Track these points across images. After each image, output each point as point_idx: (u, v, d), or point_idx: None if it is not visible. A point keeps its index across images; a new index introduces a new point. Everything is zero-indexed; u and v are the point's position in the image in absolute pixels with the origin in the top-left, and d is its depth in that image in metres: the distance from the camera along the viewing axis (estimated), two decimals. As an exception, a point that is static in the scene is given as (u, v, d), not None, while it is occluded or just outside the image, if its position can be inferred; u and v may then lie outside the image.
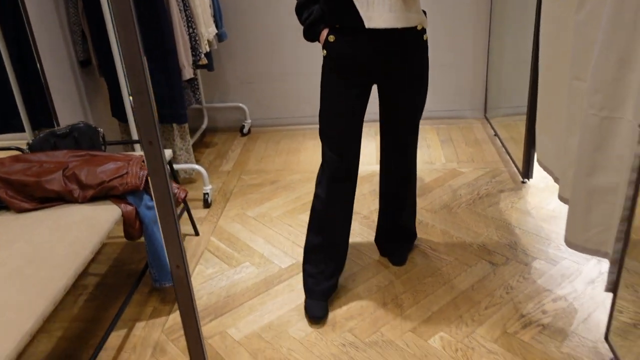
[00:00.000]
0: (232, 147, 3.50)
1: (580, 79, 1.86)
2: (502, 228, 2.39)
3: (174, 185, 2.06)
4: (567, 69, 1.99)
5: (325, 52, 1.82)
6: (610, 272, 1.66)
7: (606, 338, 1.73)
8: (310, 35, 1.83)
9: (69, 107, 2.65)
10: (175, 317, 2.01)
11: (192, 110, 3.52)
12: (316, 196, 1.97)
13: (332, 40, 1.78)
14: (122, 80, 2.58)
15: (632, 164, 1.50)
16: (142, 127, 0.82)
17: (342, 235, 2.03)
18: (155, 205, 2.00)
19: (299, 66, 3.52)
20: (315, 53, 3.12)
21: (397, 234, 2.24)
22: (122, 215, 1.92)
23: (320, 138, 1.93)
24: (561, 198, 2.13)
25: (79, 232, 1.74)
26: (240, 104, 3.65)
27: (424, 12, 1.83)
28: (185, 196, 2.07)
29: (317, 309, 1.95)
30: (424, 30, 1.81)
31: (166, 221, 0.91)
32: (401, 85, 1.88)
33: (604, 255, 1.82)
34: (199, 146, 3.54)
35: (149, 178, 2.08)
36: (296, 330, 1.89)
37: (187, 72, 2.70)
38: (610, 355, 1.69)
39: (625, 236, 1.57)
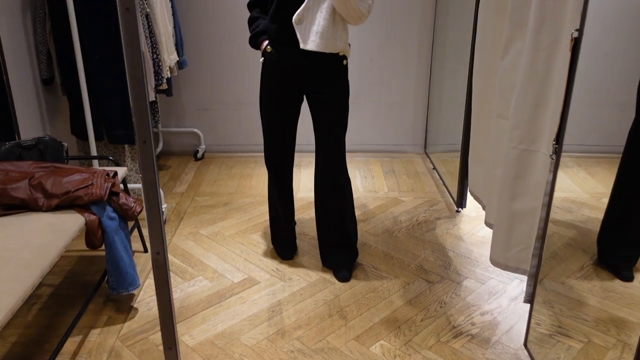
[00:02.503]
0: (186, 171, 3.62)
1: (503, 117, 2.14)
2: (437, 251, 2.62)
3: (130, 199, 2.17)
4: (492, 108, 2.28)
5: (262, 59, 2.25)
6: (528, 285, 1.91)
7: (525, 346, 1.96)
8: (254, 43, 2.25)
9: (30, 122, 2.72)
10: (130, 325, 2.09)
11: (148, 134, 3.63)
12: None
13: (269, 50, 2.20)
14: (85, 99, 2.68)
15: (545, 188, 1.76)
16: (139, 127, 0.97)
17: (287, 213, 2.55)
18: (115, 218, 2.12)
19: (254, 96, 3.70)
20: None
21: (334, 242, 2.45)
22: (86, 223, 2.01)
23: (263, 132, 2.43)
24: (487, 223, 2.38)
25: (44, 237, 1.83)
26: (195, 130, 3.79)
27: (349, 45, 2.24)
28: (141, 210, 2.18)
29: (285, 252, 2.57)
30: (344, 57, 2.21)
31: (152, 213, 1.05)
32: (323, 101, 2.26)
33: (523, 272, 2.07)
34: (153, 168, 3.63)
35: (115, 187, 2.19)
36: (248, 338, 2.02)
37: (149, 95, 2.83)
38: (528, 360, 1.91)
39: (539, 252, 1.82)
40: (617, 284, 2.17)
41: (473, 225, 2.86)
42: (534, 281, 1.86)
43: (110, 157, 2.57)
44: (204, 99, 3.75)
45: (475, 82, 2.53)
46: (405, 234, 2.78)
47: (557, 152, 1.68)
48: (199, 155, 3.78)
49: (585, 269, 2.26)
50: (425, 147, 3.86)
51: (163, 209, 2.88)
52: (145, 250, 2.64)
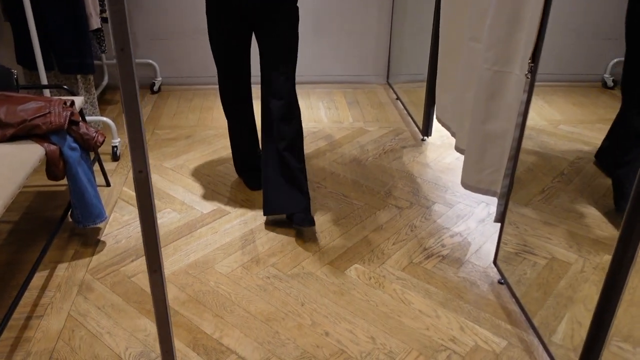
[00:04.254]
0: (142, 104, 3.46)
1: (476, 40, 2.12)
2: (405, 178, 2.64)
3: (92, 128, 2.06)
4: (464, 31, 2.25)
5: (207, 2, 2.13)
6: (499, 205, 1.95)
7: (495, 263, 2.03)
8: None
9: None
10: (99, 258, 2.03)
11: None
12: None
13: None
14: (31, 24, 2.47)
15: (518, 109, 1.77)
16: (116, 34, 0.89)
17: (249, 141, 2.50)
18: (76, 148, 2.01)
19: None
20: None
21: (284, 183, 2.20)
22: (46, 154, 1.89)
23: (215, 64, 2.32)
24: (457, 149, 2.41)
25: (2, 168, 1.71)
26: (150, 61, 3.60)
27: None
28: (104, 140, 2.08)
29: (253, 183, 2.50)
30: None
31: (133, 128, 0.98)
32: (271, 36, 2.13)
33: (493, 194, 2.11)
34: (101, 103, 3.46)
35: (74, 116, 2.07)
36: (222, 267, 2.00)
37: (94, 22, 2.65)
38: (498, 277, 1.98)
39: (511, 173, 1.86)
40: (578, 205, 2.26)
41: (439, 153, 2.89)
42: (505, 201, 1.90)
43: (65, 87, 2.41)
44: (158, 28, 3.55)
45: (444, 7, 2.48)
46: (373, 163, 2.78)
47: (533, 71, 1.68)
48: (155, 88, 3.62)
49: (546, 191, 2.34)
50: (387, 77, 3.83)
51: (116, 144, 2.77)
52: (108, 184, 2.54)
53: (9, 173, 1.72)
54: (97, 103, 2.88)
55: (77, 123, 2.03)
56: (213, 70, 3.81)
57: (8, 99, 1.96)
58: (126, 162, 2.75)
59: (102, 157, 2.76)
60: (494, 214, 2.22)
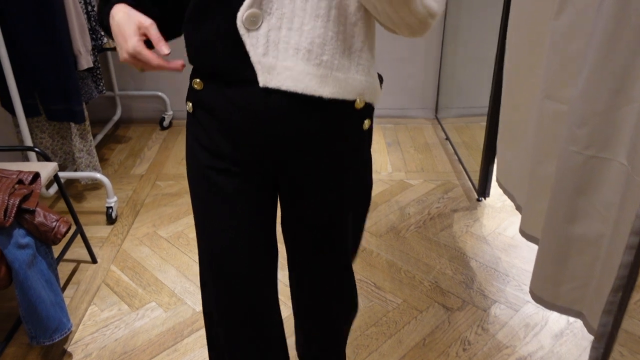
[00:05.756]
0: (149, 144, 3.02)
1: (553, 99, 1.55)
2: (456, 259, 2.08)
3: (52, 216, 1.61)
4: (538, 83, 1.67)
5: (189, 105, 1.03)
6: (593, 348, 1.37)
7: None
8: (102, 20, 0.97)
9: None
10: (53, 388, 1.59)
11: (103, 99, 3.01)
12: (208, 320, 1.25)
13: (199, 88, 1.00)
14: (5, 63, 2.04)
15: (632, 226, 1.19)
16: None
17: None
18: (29, 245, 1.56)
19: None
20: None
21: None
22: (-23, 261, 1.46)
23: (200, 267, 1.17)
24: (523, 233, 1.83)
25: None
26: (159, 93, 3.16)
27: (380, 77, 1.05)
28: (67, 230, 1.63)
29: None
30: (367, 109, 1.02)
31: None
32: (311, 200, 1.08)
33: (576, 315, 1.54)
34: (110, 141, 3.04)
35: (29, 202, 1.62)
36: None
37: (85, 61, 2.21)
38: None
39: (618, 309, 1.28)
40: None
41: (499, 220, 2.31)
42: (605, 345, 1.32)
43: (37, 149, 1.98)
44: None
45: (511, 41, 1.90)
46: (415, 234, 2.23)
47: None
48: (165, 123, 3.17)
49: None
50: (436, 111, 3.23)
51: (112, 204, 2.33)
52: (94, 261, 2.10)
53: None
54: (94, 151, 2.45)
55: (31, 211, 1.58)
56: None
57: (-64, 187, 1.53)
58: (124, 226, 2.30)
59: (95, 218, 2.34)
60: (575, 327, 1.66)
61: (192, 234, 2.24)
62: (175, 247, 2.17)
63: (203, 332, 1.75)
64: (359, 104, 0.98)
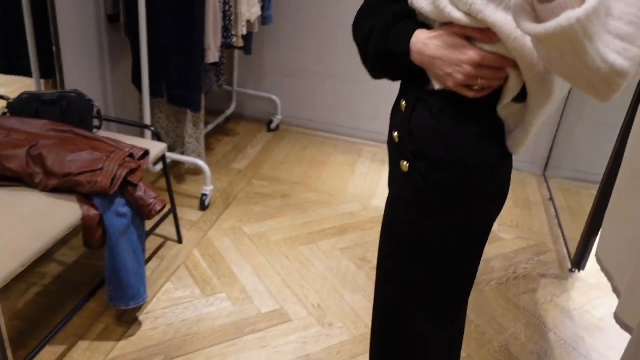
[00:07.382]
0: (253, 142, 3.14)
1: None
2: (533, 327, 1.96)
3: (151, 193, 1.71)
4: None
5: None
6: None
7: None
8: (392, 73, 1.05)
9: (84, 63, 2.31)
10: (125, 347, 1.69)
11: (221, 92, 3.17)
12: None
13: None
14: (143, 44, 2.22)
15: None
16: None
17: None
18: (126, 215, 1.67)
19: (345, 70, 3.11)
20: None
21: None
22: (82, 219, 1.59)
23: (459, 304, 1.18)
24: (617, 319, 1.69)
25: (26, 227, 1.44)
26: (273, 96, 3.27)
27: None
28: (162, 209, 1.73)
29: None
30: None
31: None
32: None
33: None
34: (219, 132, 3.19)
35: (134, 176, 1.75)
36: (252, 407, 1.54)
37: (212, 55, 2.34)
38: None
39: None
40: None
41: (590, 297, 2.15)
42: None
43: (152, 128, 2.12)
44: (287, 64, 3.20)
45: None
46: (495, 290, 2.13)
47: None
48: (273, 125, 3.28)
49: None
50: (545, 169, 3.08)
51: (207, 192, 2.44)
52: (180, 241, 2.21)
53: (34, 233, 1.44)
54: (203, 139, 2.59)
55: (134, 185, 1.70)
56: (335, 117, 3.37)
57: (67, 141, 1.69)
58: (213, 215, 2.41)
59: (190, 201, 2.47)
60: None
61: (274, 237, 2.29)
62: (255, 246, 2.23)
63: (263, 334, 1.79)
64: None
